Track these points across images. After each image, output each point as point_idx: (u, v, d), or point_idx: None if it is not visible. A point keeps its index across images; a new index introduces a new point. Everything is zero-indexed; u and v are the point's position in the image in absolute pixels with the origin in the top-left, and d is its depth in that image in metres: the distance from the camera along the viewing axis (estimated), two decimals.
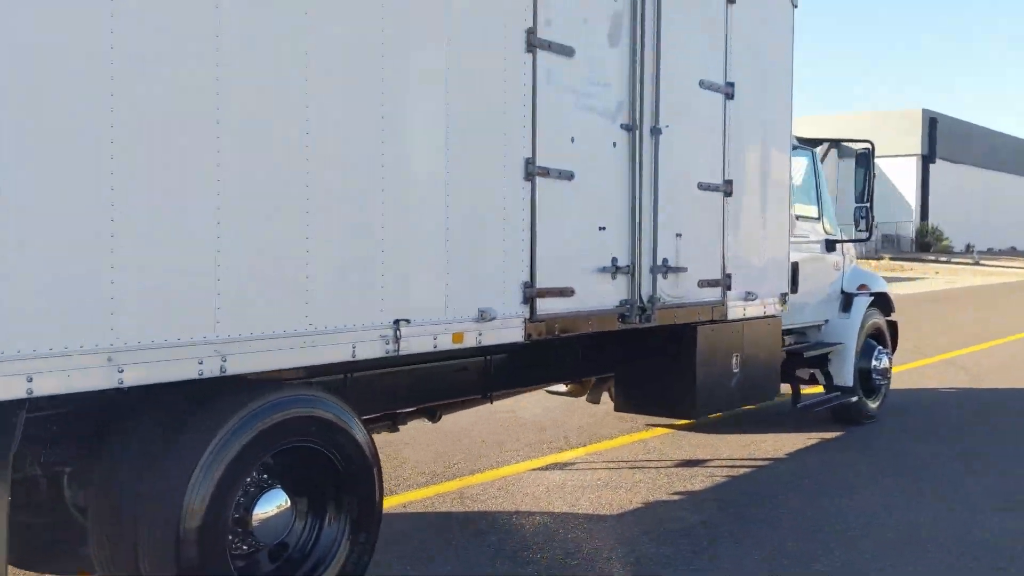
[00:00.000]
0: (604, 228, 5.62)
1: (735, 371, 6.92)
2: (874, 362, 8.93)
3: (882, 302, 9.40)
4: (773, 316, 7.38)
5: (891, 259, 47.85)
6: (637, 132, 5.82)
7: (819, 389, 8.70)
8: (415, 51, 4.44)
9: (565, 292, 5.33)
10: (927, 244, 58.58)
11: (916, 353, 14.46)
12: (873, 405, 8.98)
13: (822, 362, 8.52)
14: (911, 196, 59.83)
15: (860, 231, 8.59)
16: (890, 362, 9.21)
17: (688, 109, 6.32)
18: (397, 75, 4.33)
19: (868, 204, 8.35)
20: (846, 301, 8.77)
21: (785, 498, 6.52)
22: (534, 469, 7.22)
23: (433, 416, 6.12)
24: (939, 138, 59.77)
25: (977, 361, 13.63)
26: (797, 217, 8.18)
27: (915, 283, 34.97)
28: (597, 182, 5.57)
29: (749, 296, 6.97)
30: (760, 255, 7.15)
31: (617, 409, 7.02)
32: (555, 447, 7.91)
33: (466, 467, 7.24)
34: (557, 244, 5.27)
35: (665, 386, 6.71)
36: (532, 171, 5.06)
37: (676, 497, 6.54)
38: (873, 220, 8.41)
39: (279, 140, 3.86)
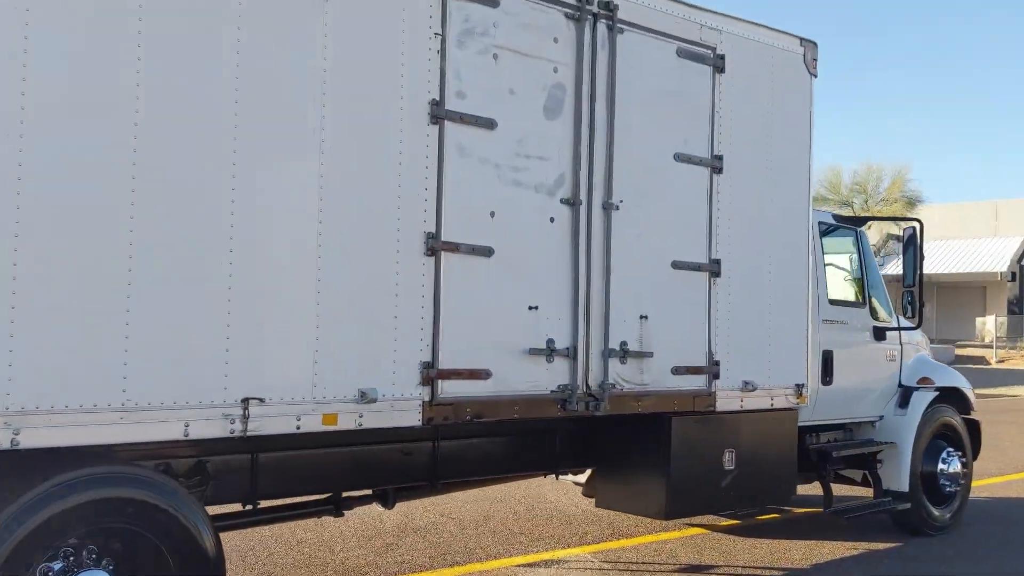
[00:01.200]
0: (536, 307, 5.29)
1: (728, 469, 6.29)
2: (942, 465, 7.94)
3: (956, 399, 8.40)
4: (786, 409, 6.70)
5: None
6: (582, 208, 5.50)
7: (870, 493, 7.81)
8: (280, 120, 4.38)
9: (479, 374, 5.03)
10: None
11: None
12: (942, 514, 7.94)
13: (869, 463, 7.64)
14: None
15: (908, 318, 7.74)
16: (966, 467, 8.16)
17: (659, 184, 5.93)
18: (253, 146, 4.27)
19: (917, 288, 7.51)
20: (903, 396, 7.87)
21: None
22: (523, 564, 6.79)
23: (385, 502, 5.88)
24: None
25: None
26: (834, 302, 7.47)
27: None
28: (527, 259, 5.27)
29: (748, 386, 6.36)
30: (765, 342, 6.54)
31: (598, 504, 6.52)
32: (564, 542, 7.44)
33: (454, 557, 6.91)
34: (470, 323, 4.99)
35: (640, 481, 6.19)
36: (435, 246, 4.84)
37: None
38: (922, 306, 7.55)
39: (94, 209, 3.85)
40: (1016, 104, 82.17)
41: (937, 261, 54.60)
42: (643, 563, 6.91)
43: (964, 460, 8.12)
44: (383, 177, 4.70)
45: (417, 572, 6.52)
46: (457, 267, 4.95)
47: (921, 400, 7.83)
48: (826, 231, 7.64)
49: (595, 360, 5.56)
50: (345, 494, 5.69)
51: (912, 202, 47.53)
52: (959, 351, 43.67)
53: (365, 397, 4.54)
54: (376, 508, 8.04)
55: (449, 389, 4.91)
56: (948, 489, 7.98)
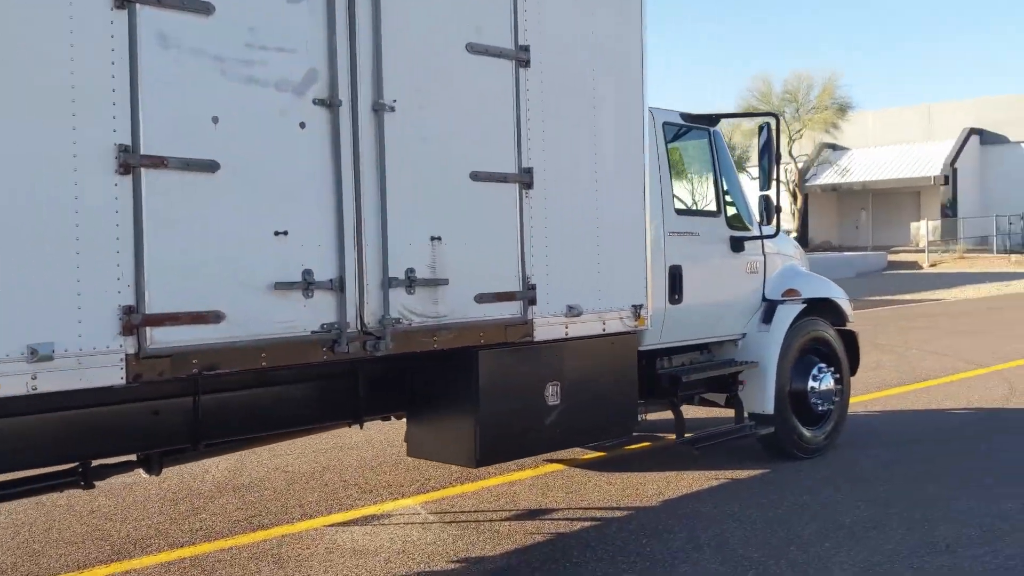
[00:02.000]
0: (284, 233, 4.40)
1: (552, 404, 5.53)
2: (812, 383, 7.28)
3: (831, 311, 7.74)
4: (623, 333, 5.95)
5: None
6: (344, 109, 4.58)
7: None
8: None
9: (205, 318, 4.14)
10: None
11: (969, 363, 12.39)
12: (814, 435, 7.33)
13: (729, 385, 6.96)
14: None
15: (765, 226, 7.01)
16: (840, 383, 7.53)
17: (447, 80, 5.02)
18: None
19: (774, 193, 6.74)
20: (767, 311, 7.17)
21: (592, 567, 5.11)
22: (339, 523, 6.03)
23: (150, 468, 5.04)
24: None
25: None
26: (683, 212, 6.69)
27: None
28: (268, 174, 4.35)
29: (573, 311, 5.57)
30: (594, 261, 5.74)
31: (409, 453, 5.74)
32: (400, 491, 6.70)
33: (261, 520, 6.13)
34: (190, 256, 4.09)
35: (448, 426, 5.41)
36: (131, 161, 3.91)
37: (456, 566, 5.23)
38: (779, 212, 6.80)
39: None
40: (947, 4, 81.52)
41: (871, 168, 54.54)
42: (477, 511, 6.20)
43: (838, 376, 7.48)
44: (45, 74, 3.73)
45: (212, 541, 5.73)
46: (167, 187, 4.02)
47: (786, 314, 7.13)
48: (675, 133, 6.81)
49: (373, 292, 4.71)
50: (98, 462, 4.86)
51: (843, 108, 47.05)
52: (892, 257, 43.71)
53: (36, 355, 3.66)
54: (202, 464, 7.37)
55: (163, 337, 4.02)
56: (820, 408, 7.34)
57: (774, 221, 6.85)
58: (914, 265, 41.61)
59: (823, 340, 7.48)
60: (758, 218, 6.96)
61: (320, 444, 8.01)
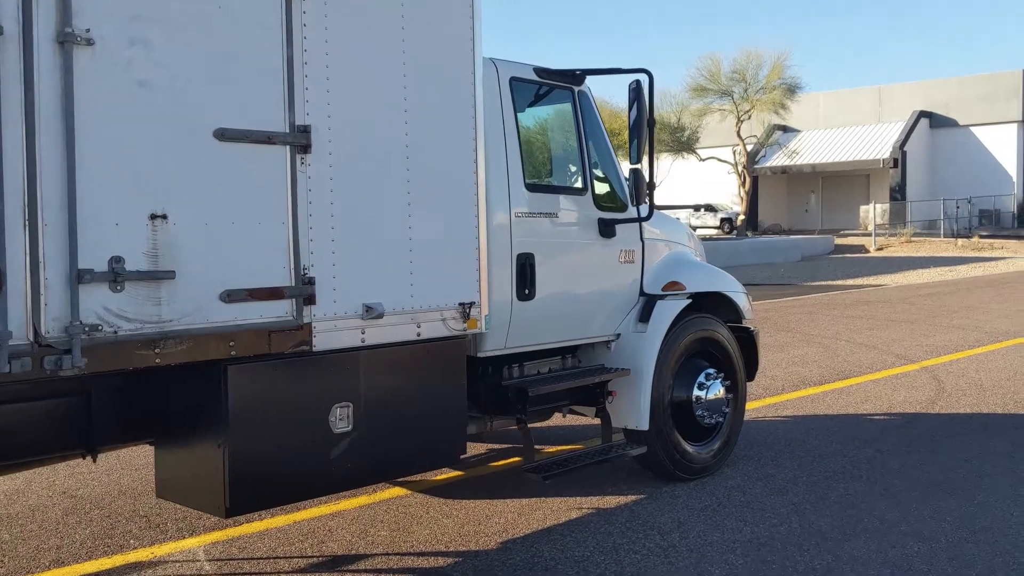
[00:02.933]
0: None
1: (341, 432, 4.35)
2: (698, 392, 6.17)
3: (726, 306, 6.64)
4: (446, 339, 4.77)
5: (982, 237, 43.28)
6: (14, 41, 3.35)
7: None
8: None
9: None
10: None
11: (898, 357, 11.42)
12: (699, 452, 6.22)
13: (596, 397, 5.82)
14: (1012, 167, 54.31)
15: (636, 206, 5.87)
16: (733, 390, 6.43)
17: (178, 9, 3.79)
18: None
19: (645, 165, 5.57)
20: (645, 307, 6.03)
21: None
22: (96, 572, 4.81)
23: None
24: None
25: (962, 371, 10.51)
26: (536, 188, 5.51)
27: (992, 264, 30.91)
28: None
29: (373, 312, 4.39)
30: (403, 247, 4.56)
31: (157, 494, 4.52)
32: (189, 527, 5.48)
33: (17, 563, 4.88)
34: None
35: (194, 462, 4.21)
36: None
37: None
38: (651, 189, 5.64)
39: None
40: None
41: (821, 150, 53.97)
42: (272, 556, 5.00)
43: (730, 383, 6.38)
44: None
45: None
46: None
47: (667, 311, 5.99)
48: (529, 93, 5.61)
49: (55, 290, 3.48)
50: None
51: (792, 89, 46.18)
52: (839, 240, 43.07)
53: None
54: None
55: None
56: (708, 421, 6.22)
57: (646, 201, 5.68)
58: (861, 249, 41.00)
59: (713, 341, 6.36)
60: (631, 197, 5.78)
61: (136, 458, 6.76)
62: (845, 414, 8.36)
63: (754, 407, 8.61)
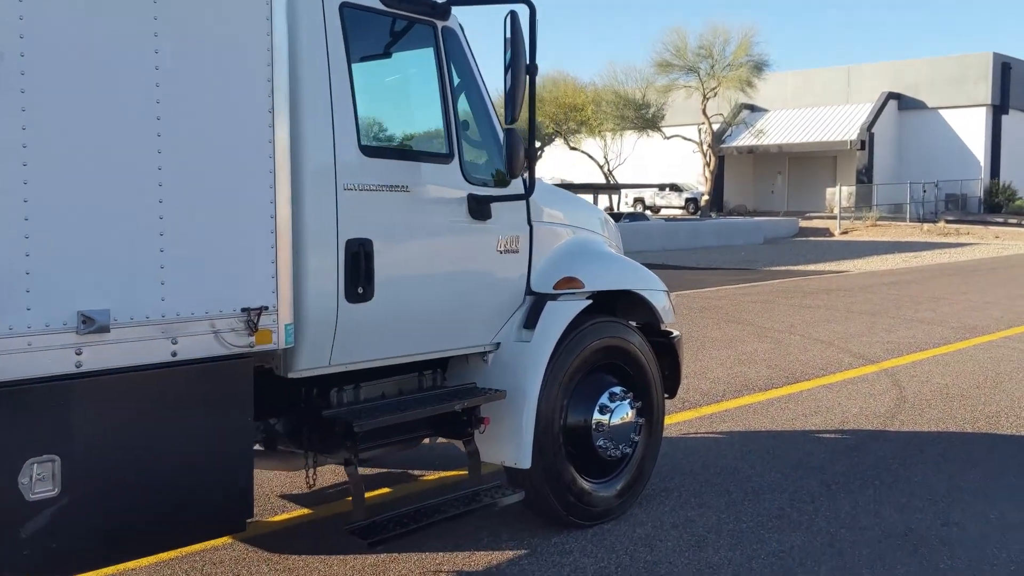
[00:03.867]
0: None
1: (37, 499, 3.01)
2: (600, 416, 4.88)
3: (641, 308, 5.35)
4: (223, 358, 3.44)
5: (948, 222, 42.51)
6: None
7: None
8: None
9: None
10: (997, 205, 52.43)
11: (856, 356, 10.23)
12: (600, 492, 4.94)
13: (462, 427, 4.51)
14: (980, 151, 53.60)
15: (507, 179, 4.54)
16: (646, 413, 5.15)
17: None
18: None
19: (529, 127, 4.22)
20: (532, 310, 4.72)
21: None
22: None
23: None
24: (1012, 86, 53.33)
25: (927, 375, 9.33)
26: (377, 151, 4.14)
27: (958, 250, 30.01)
28: None
29: (92, 324, 3.05)
30: (149, 227, 3.21)
31: None
32: None
33: None
34: None
35: None
36: None
37: None
38: (533, 157, 4.30)
39: None
40: None
41: (788, 130, 52.91)
42: None
43: (642, 404, 5.10)
44: None
45: None
46: None
47: (559, 315, 4.68)
48: (370, 27, 4.23)
49: None
50: None
51: (759, 66, 45.04)
52: (804, 223, 42.08)
53: None
54: None
55: None
56: (611, 453, 4.93)
57: (525, 171, 4.33)
58: (826, 232, 40.06)
59: (622, 352, 5.06)
60: (509, 167, 4.40)
61: None
62: (791, 430, 7.13)
63: (686, 419, 7.37)
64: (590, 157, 47.77)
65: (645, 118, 46.40)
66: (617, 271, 5.19)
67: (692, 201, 48.55)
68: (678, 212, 48.24)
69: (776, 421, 7.39)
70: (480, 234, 4.47)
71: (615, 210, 44.51)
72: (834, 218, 42.07)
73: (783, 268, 23.44)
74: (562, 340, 4.67)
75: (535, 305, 4.71)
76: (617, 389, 4.96)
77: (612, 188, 45.66)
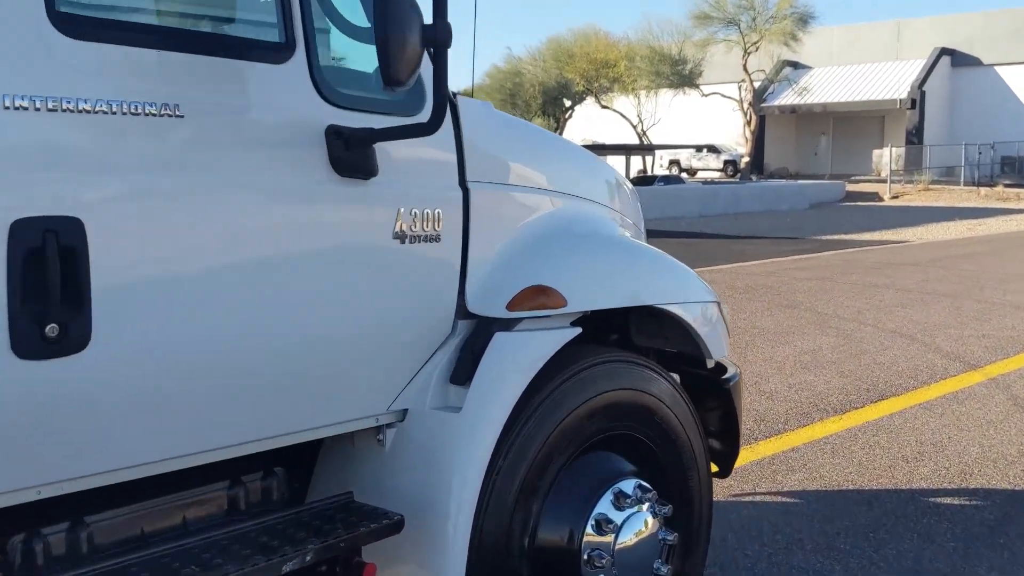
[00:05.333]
0: None
1: None
2: (594, 535, 2.67)
3: (675, 333, 3.14)
4: None
5: (1007, 186, 39.56)
6: None
7: None
8: None
9: None
10: None
11: (949, 357, 7.95)
12: None
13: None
14: None
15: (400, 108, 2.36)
16: (685, 520, 2.96)
17: None
18: None
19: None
20: (468, 350, 2.54)
21: None
22: None
23: None
24: None
25: None
26: (92, 26, 1.93)
27: (1013, 217, 27.27)
28: None
29: None
30: None
31: None
32: None
33: None
34: None
35: None
36: None
37: None
38: (441, 46, 2.15)
39: None
40: None
41: (833, 89, 50.02)
42: None
43: (673, 507, 2.91)
44: None
45: None
46: None
47: (517, 359, 2.47)
48: None
49: None
50: None
51: (804, 19, 42.17)
52: (851, 187, 39.43)
53: None
54: None
55: None
56: None
57: (442, 90, 2.13)
58: (875, 197, 37.39)
59: (639, 413, 2.86)
60: (385, 65, 2.22)
61: None
62: (894, 488, 4.92)
63: (737, 465, 5.18)
64: (623, 116, 45.39)
65: (682, 75, 43.84)
66: (628, 272, 2.94)
67: (731, 163, 46.10)
68: (716, 175, 45.77)
69: (867, 470, 5.17)
70: (355, 206, 2.27)
71: (649, 172, 42.14)
72: (883, 182, 39.40)
73: (835, 237, 21.02)
74: (525, 403, 2.50)
75: (473, 340, 2.53)
76: (628, 485, 2.76)
77: (646, 149, 43.37)
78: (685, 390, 3.01)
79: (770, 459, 5.34)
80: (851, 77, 49.90)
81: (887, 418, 6.23)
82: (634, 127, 45.80)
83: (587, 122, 48.59)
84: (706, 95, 43.93)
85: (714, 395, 3.34)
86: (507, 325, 2.54)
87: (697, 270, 3.23)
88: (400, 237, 2.35)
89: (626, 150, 40.36)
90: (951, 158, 43.63)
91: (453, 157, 2.48)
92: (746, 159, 43.76)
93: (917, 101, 47.15)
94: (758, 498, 4.75)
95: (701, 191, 31.00)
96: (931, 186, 40.13)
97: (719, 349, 3.14)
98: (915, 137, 47.21)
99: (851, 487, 4.92)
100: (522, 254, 2.60)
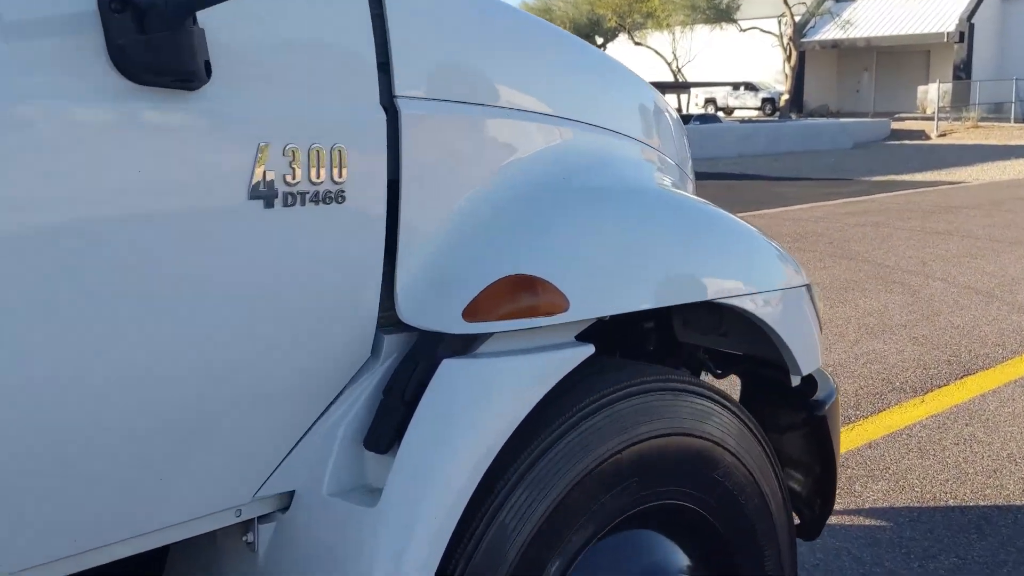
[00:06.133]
0: None
1: None
2: None
3: (741, 330, 2.08)
4: None
5: None
6: None
7: None
8: None
9: None
10: None
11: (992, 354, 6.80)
12: None
13: None
14: None
15: None
16: None
17: None
18: None
19: None
20: (401, 387, 1.50)
21: None
22: None
23: None
24: None
25: None
26: None
27: None
28: None
29: None
30: None
31: None
32: None
33: None
34: None
35: None
36: None
37: None
38: None
39: None
40: None
41: (877, 22, 47.91)
42: None
43: None
44: None
45: None
46: None
47: (477, 400, 1.43)
48: None
49: None
50: None
51: None
52: (896, 125, 37.62)
53: None
54: None
55: None
56: None
57: None
58: (921, 135, 35.60)
59: (692, 465, 1.83)
60: None
61: None
62: (1002, 506, 3.85)
63: None
64: (657, 53, 43.71)
65: (718, 8, 41.96)
66: (671, 248, 1.78)
67: (769, 101, 44.39)
68: (753, 113, 44.13)
69: (967, 476, 4.10)
70: (167, 140, 1.22)
71: (684, 111, 40.62)
72: (929, 119, 37.60)
73: (885, 178, 19.62)
74: (496, 476, 1.47)
75: (405, 372, 1.48)
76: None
77: (681, 87, 41.74)
78: (757, 429, 1.94)
79: (845, 459, 4.28)
80: (896, 10, 47.84)
81: (979, 400, 5.13)
82: (668, 65, 44.14)
83: (620, 60, 47.00)
84: (744, 30, 42.14)
85: (793, 408, 2.28)
86: (464, 345, 1.49)
87: (739, 215, 2.14)
88: (263, 196, 1.29)
89: (660, 88, 38.81)
90: (1000, 94, 41.74)
91: (368, 48, 1.40)
92: (785, 97, 42.02)
93: (965, 34, 45.16)
94: (834, 518, 3.71)
95: (739, 130, 29.54)
96: (980, 123, 38.24)
97: (810, 358, 2.05)
98: (962, 72, 45.28)
99: (951, 501, 3.86)
100: (492, 224, 1.53)
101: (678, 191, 2.04)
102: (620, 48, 45.36)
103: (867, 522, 3.71)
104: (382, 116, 1.42)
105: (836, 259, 9.49)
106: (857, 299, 7.63)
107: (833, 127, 33.07)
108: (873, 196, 15.90)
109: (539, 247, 1.54)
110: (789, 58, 41.44)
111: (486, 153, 1.57)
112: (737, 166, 22.52)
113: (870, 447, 4.45)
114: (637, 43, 44.17)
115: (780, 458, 2.13)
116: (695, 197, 2.01)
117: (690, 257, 1.79)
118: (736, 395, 2.29)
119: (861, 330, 6.63)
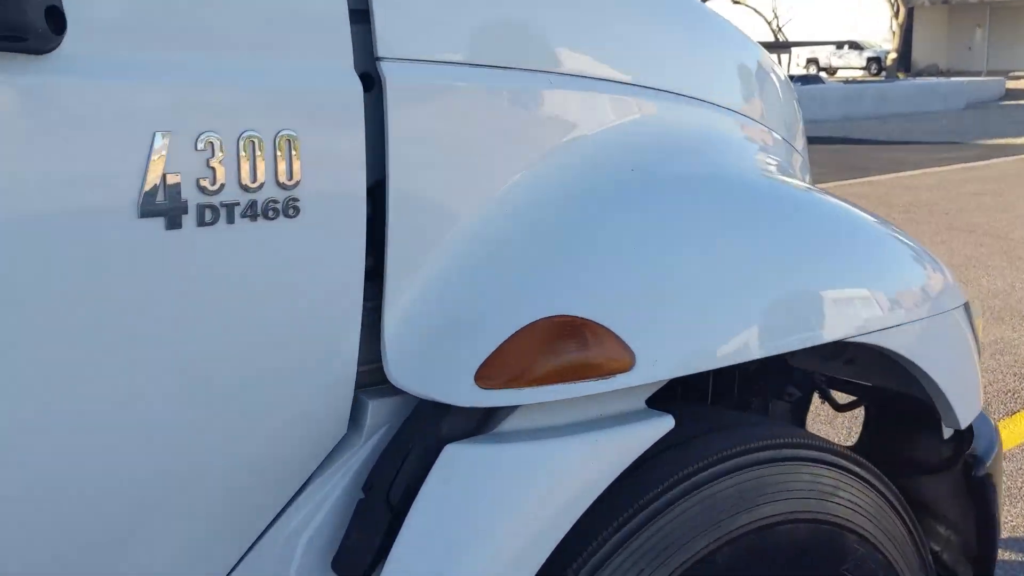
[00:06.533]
0: None
1: None
2: None
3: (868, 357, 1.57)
4: None
5: None
6: None
7: None
8: None
9: None
10: None
11: None
12: None
13: None
14: None
15: None
16: None
17: None
18: None
19: None
20: (385, 483, 1.03)
21: None
22: None
23: None
24: None
25: None
26: None
27: None
28: None
29: None
30: None
31: None
32: None
33: None
34: None
35: None
36: None
37: None
38: None
39: None
40: None
41: None
42: None
43: None
44: None
45: None
46: None
47: (497, 503, 0.96)
48: None
49: None
50: None
51: None
52: (1011, 84, 35.60)
53: None
54: None
55: None
56: None
57: None
58: None
59: (822, 555, 1.36)
60: None
61: None
62: None
63: None
64: (756, 12, 42.34)
65: None
66: (786, 272, 1.26)
67: (875, 61, 42.60)
68: (858, 74, 42.41)
69: None
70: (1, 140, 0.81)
71: (785, 72, 39.33)
72: None
73: (1003, 141, 18.35)
74: None
75: (391, 460, 1.04)
76: None
77: (781, 47, 40.28)
78: (900, 506, 1.44)
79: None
80: None
81: None
82: (768, 23, 42.73)
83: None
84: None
85: (940, 458, 1.76)
86: (478, 421, 1.03)
87: (846, 182, 1.63)
88: (163, 212, 0.85)
89: None
90: None
91: None
92: (892, 55, 40.14)
93: None
94: None
95: (844, 91, 28.23)
96: None
97: (969, 403, 1.53)
98: None
99: None
100: (520, 243, 1.05)
101: (794, 182, 1.51)
102: (717, 6, 44.08)
103: (1005, 556, 3.15)
104: (358, 87, 0.96)
105: (955, 232, 8.70)
106: (980, 278, 6.91)
107: (945, 87, 31.39)
108: (990, 160, 14.81)
109: (589, 277, 1.06)
110: (896, 14, 39.55)
111: (511, 139, 1.08)
112: (842, 129, 21.43)
113: (1006, 460, 3.85)
114: (736, 1, 42.78)
115: (916, 507, 1.62)
116: (815, 190, 1.48)
117: (811, 282, 1.28)
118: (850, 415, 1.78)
119: (986, 314, 5.95)
